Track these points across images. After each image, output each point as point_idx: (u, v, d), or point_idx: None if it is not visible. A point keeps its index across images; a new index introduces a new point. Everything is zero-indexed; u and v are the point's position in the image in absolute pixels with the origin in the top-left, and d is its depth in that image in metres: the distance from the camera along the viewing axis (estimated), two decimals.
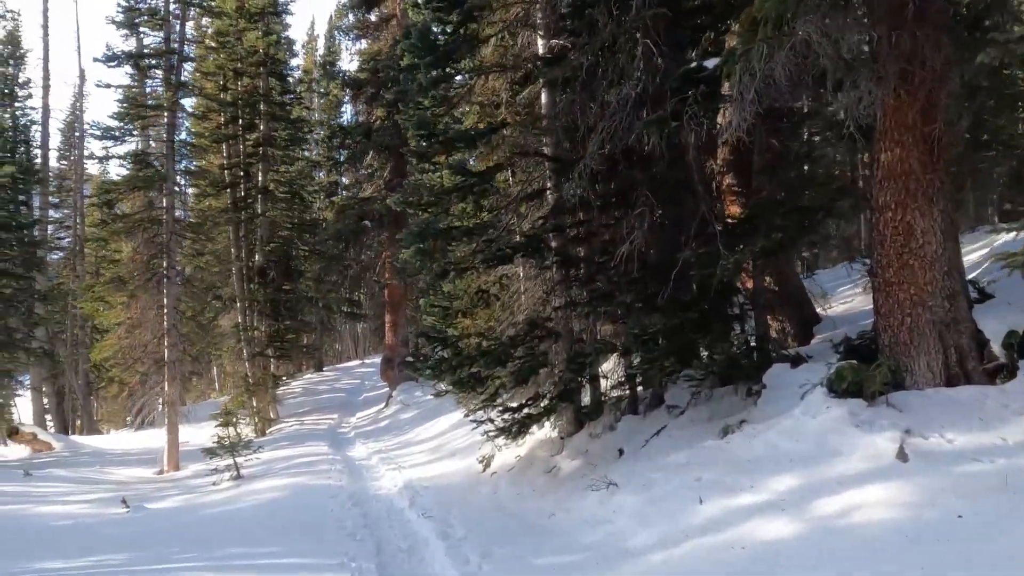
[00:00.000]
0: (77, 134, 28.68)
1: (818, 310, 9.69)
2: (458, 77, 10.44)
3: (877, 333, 6.39)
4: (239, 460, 12.00)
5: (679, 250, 7.44)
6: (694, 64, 7.07)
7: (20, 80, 22.52)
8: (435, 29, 8.41)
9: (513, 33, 9.34)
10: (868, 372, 5.71)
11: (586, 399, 8.86)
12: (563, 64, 7.57)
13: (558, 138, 8.44)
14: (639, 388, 8.38)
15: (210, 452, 11.88)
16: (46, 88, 24.32)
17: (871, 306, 9.90)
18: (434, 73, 8.18)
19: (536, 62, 8.31)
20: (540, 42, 8.76)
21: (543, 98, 8.73)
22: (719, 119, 9.05)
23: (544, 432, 8.98)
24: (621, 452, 7.44)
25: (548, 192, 8.72)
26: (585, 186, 7.47)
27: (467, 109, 10.63)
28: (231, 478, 11.71)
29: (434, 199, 8.69)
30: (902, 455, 5.00)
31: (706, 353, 7.67)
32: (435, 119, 9.10)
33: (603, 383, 8.81)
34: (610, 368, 8.70)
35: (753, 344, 7.62)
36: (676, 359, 7.16)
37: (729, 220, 8.07)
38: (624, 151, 7.77)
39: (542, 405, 8.24)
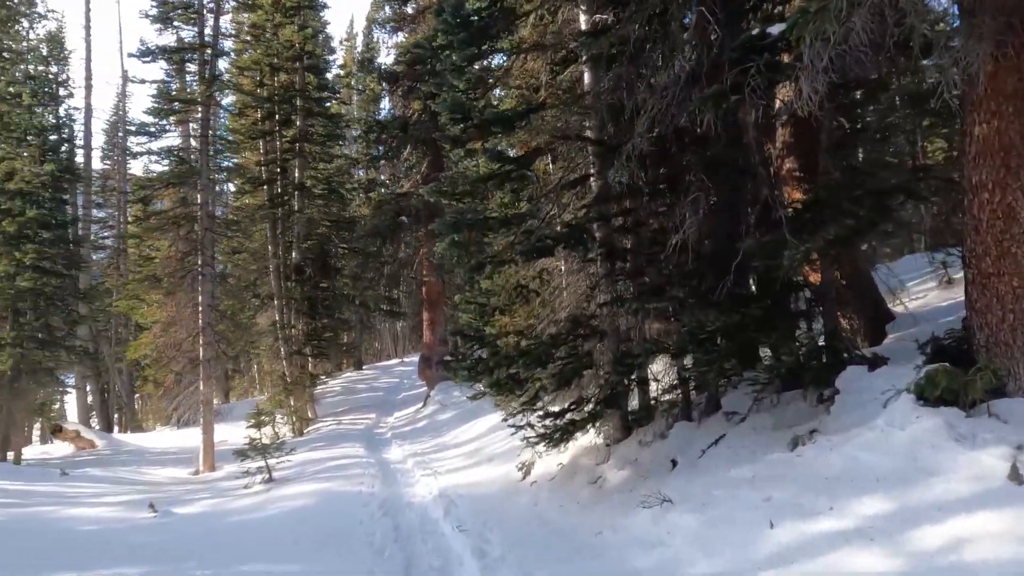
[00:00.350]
0: (120, 134, 28.99)
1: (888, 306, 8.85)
2: (495, 60, 9.86)
3: (971, 332, 5.58)
4: (271, 462, 11.63)
5: (738, 239, 6.73)
6: (756, 31, 6.33)
7: (63, 80, 22.63)
8: (469, 5, 7.81)
9: (553, 10, 8.70)
10: (967, 377, 4.94)
11: (634, 403, 8.18)
12: (609, 36, 6.90)
13: (602, 120, 7.77)
14: (692, 392, 7.67)
15: (241, 454, 11.53)
16: (88, 88, 24.58)
17: (950, 301, 9.06)
18: (468, 51, 7.59)
19: (579, 38, 7.65)
20: (583, 17, 8.11)
21: (586, 77, 8.07)
22: (778, 99, 8.32)
23: (588, 438, 8.32)
24: (674, 463, 6.75)
25: (592, 179, 8.06)
26: (634, 169, 6.78)
27: (504, 93, 10.03)
28: (263, 481, 11.33)
29: (469, 188, 8.11)
30: (1016, 476, 4.23)
31: (769, 354, 6.94)
32: (470, 102, 8.51)
33: (653, 386, 8.12)
34: (660, 370, 8.00)
35: (821, 344, 6.85)
36: (737, 360, 6.44)
37: (794, 206, 7.30)
38: (676, 132, 7.08)
39: (586, 410, 7.59)
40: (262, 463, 11.51)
